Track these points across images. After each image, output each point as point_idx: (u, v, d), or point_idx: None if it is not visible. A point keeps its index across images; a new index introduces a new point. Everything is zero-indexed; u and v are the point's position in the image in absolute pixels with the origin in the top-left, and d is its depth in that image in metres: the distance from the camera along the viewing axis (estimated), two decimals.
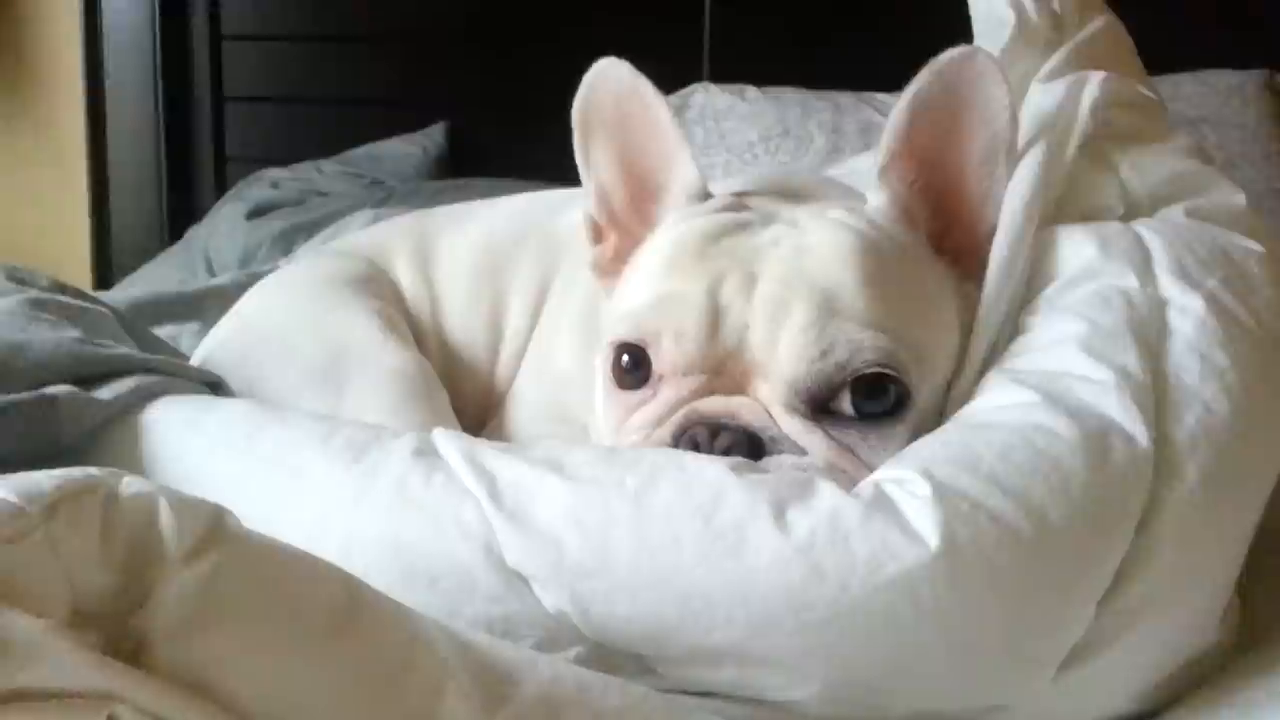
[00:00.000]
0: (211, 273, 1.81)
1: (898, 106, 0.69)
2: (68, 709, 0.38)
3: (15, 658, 0.37)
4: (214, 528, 0.44)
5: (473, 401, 0.91)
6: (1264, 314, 0.66)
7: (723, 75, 2.12)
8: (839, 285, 0.63)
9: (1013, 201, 0.69)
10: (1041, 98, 0.76)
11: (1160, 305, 0.64)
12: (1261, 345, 0.64)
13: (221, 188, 2.19)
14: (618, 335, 0.66)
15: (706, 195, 0.72)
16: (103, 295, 1.15)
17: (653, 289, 0.66)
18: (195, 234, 1.99)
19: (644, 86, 0.72)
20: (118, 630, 0.42)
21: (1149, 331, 0.63)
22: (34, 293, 0.76)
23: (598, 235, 0.77)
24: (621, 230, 0.77)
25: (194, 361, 0.90)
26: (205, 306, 1.17)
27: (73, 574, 0.41)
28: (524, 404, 0.87)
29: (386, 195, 1.95)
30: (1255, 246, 0.70)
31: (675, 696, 0.53)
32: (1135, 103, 0.77)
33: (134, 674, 0.40)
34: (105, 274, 2.17)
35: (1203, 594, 0.59)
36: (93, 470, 0.44)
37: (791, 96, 2.02)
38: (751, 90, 2.06)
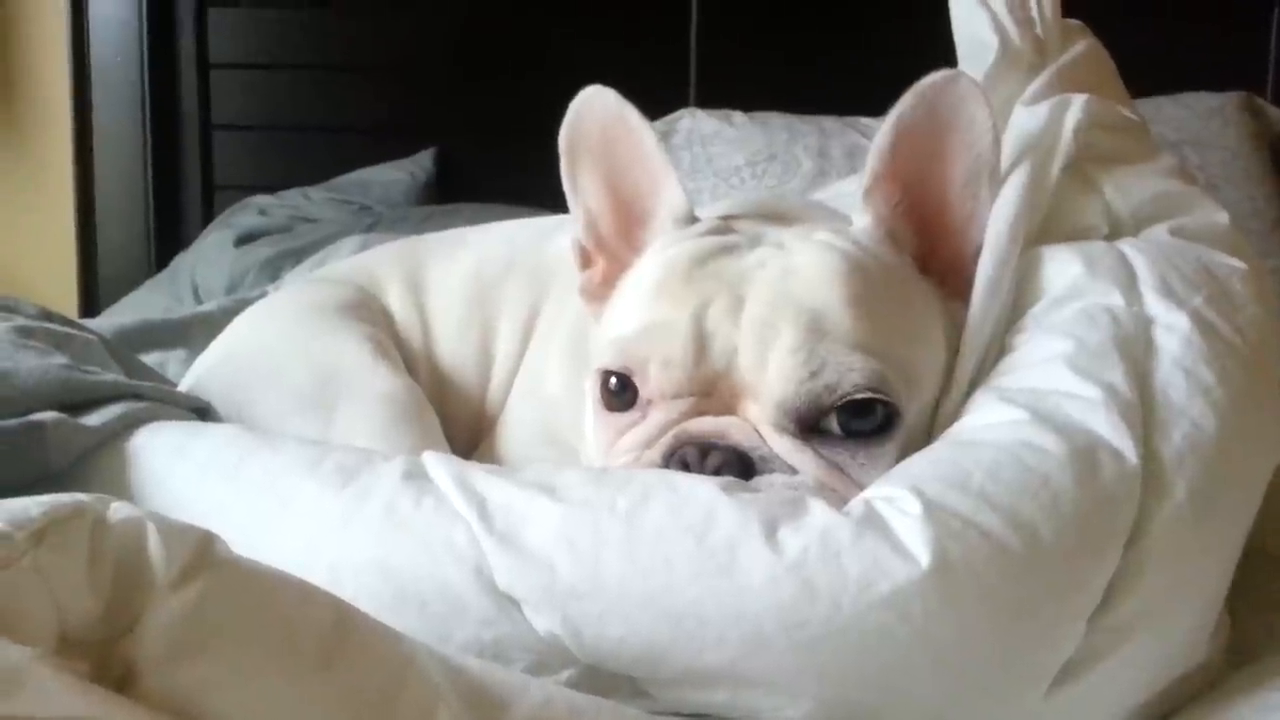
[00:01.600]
0: (198, 300, 1.81)
1: (881, 129, 0.70)
2: None
3: (1, 685, 0.37)
4: (202, 553, 0.44)
5: (464, 425, 0.91)
6: (1248, 331, 0.67)
7: (709, 100, 2.14)
8: (826, 306, 0.63)
9: (998, 222, 0.69)
10: (1025, 120, 0.77)
11: (1146, 323, 0.65)
12: (1246, 362, 0.65)
13: (209, 215, 2.19)
14: (605, 363, 0.66)
15: (693, 219, 0.73)
16: (89, 323, 1.15)
17: (639, 315, 0.67)
18: (182, 261, 1.98)
19: (629, 113, 0.72)
20: (106, 657, 0.42)
21: (1136, 349, 0.63)
22: (21, 320, 0.75)
23: (586, 261, 0.78)
24: (609, 255, 0.77)
25: (182, 388, 0.90)
26: (192, 334, 1.17)
27: (60, 600, 0.41)
28: (515, 427, 0.87)
29: (374, 221, 1.96)
30: (1238, 264, 0.71)
31: (668, 718, 0.53)
32: (1118, 124, 0.78)
33: (120, 701, 0.40)
34: (92, 301, 2.16)
35: (1193, 610, 0.59)
36: (81, 496, 0.43)
37: (778, 121, 2.03)
38: (738, 115, 2.08)
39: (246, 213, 2.05)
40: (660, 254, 0.70)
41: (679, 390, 0.64)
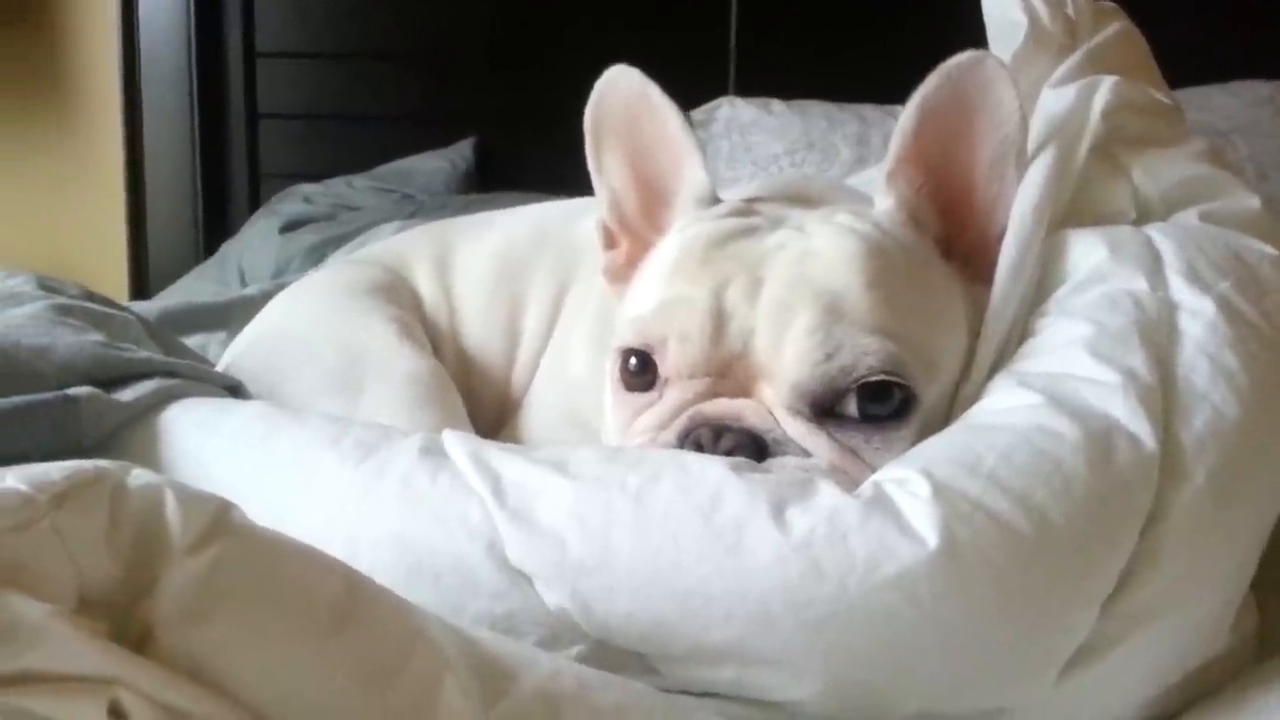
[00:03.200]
0: (244, 285, 1.84)
1: (905, 111, 0.70)
2: (71, 691, 0.39)
3: (21, 640, 0.38)
4: (219, 520, 0.45)
5: (489, 406, 0.92)
6: (1276, 317, 0.65)
7: (748, 88, 2.13)
8: (844, 289, 0.63)
9: (1022, 205, 0.69)
10: (1053, 102, 0.76)
11: (1171, 308, 0.64)
12: (1274, 348, 0.64)
13: (255, 203, 2.22)
14: (624, 340, 0.67)
15: (715, 200, 0.73)
16: (134, 305, 1.18)
17: (659, 294, 0.67)
18: (229, 248, 2.02)
19: (652, 91, 0.73)
20: (125, 618, 0.43)
21: (1158, 334, 0.62)
22: (61, 299, 0.78)
23: (610, 241, 0.78)
24: (633, 236, 0.77)
25: (220, 366, 0.92)
26: (233, 316, 1.19)
27: (80, 562, 0.42)
28: (539, 407, 0.88)
29: (416, 209, 1.98)
30: (1269, 250, 0.70)
31: (676, 696, 0.54)
32: (1148, 107, 0.77)
33: (137, 660, 0.41)
34: (142, 287, 2.21)
35: (1211, 599, 0.58)
36: (103, 462, 0.45)
37: (817, 109, 2.02)
38: (777, 103, 2.07)
39: (291, 200, 2.08)
40: (680, 235, 0.70)
41: (695, 369, 0.64)
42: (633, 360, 0.67)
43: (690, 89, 2.29)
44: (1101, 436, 0.56)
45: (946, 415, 0.65)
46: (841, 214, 0.69)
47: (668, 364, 0.65)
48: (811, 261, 0.65)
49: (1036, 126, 0.74)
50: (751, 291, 0.64)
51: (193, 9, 2.17)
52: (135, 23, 2.16)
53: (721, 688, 0.54)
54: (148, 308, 1.22)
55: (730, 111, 2.07)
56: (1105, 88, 0.75)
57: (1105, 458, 0.55)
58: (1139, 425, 0.57)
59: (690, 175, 0.73)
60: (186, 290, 1.94)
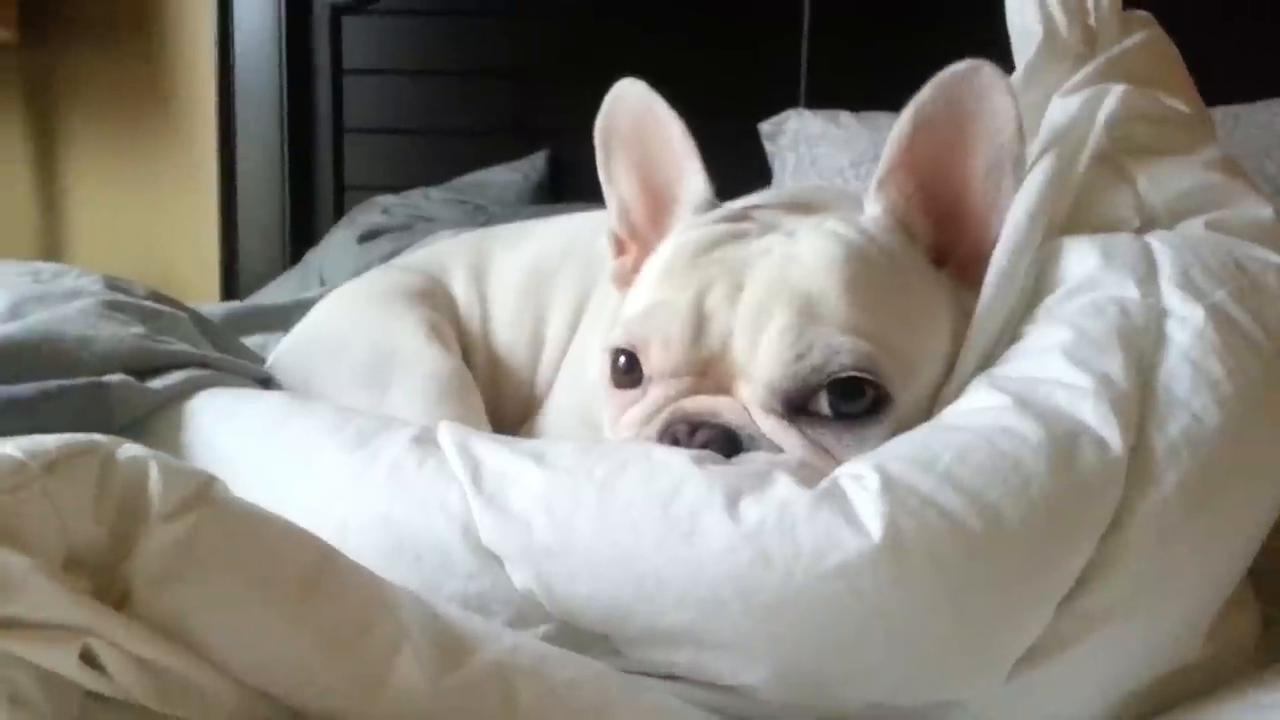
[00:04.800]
0: None
1: (900, 119, 0.71)
2: (48, 638, 0.43)
3: (4, 590, 0.43)
4: (199, 492, 0.49)
5: (517, 407, 0.96)
6: (1275, 326, 0.64)
7: (819, 101, 2.14)
8: (820, 292, 0.65)
9: (1016, 213, 0.69)
10: (1058, 111, 0.76)
11: (1160, 315, 0.64)
12: (1268, 359, 0.63)
13: (340, 214, 2.32)
14: (613, 341, 0.70)
15: (712, 207, 0.75)
16: (203, 306, 1.25)
17: (647, 297, 0.70)
18: (312, 256, 2.11)
19: (657, 104, 0.75)
20: (109, 578, 0.48)
21: (1143, 341, 0.62)
22: (117, 296, 0.84)
23: (620, 248, 0.81)
24: (641, 243, 0.80)
25: (270, 360, 0.98)
26: (294, 318, 1.25)
27: (67, 524, 0.46)
28: (557, 408, 0.91)
29: (487, 219, 2.04)
30: (1276, 260, 0.69)
31: (633, 675, 0.56)
32: (1160, 115, 0.76)
33: (111, 614, 0.45)
34: (233, 292, 2.32)
35: (1179, 605, 0.58)
36: (96, 436, 0.49)
37: (885, 121, 2.01)
38: (845, 115, 2.07)
39: (370, 211, 2.16)
40: (673, 240, 0.72)
41: (677, 369, 0.66)
42: (621, 360, 0.69)
43: (762, 101, 2.31)
44: (1066, 439, 0.56)
45: (927, 417, 0.66)
46: (830, 220, 0.70)
47: (651, 364, 0.68)
48: (792, 266, 0.66)
49: (1041, 136, 0.74)
50: (732, 295, 0.66)
51: (284, 29, 2.28)
52: (230, 43, 2.28)
53: (680, 670, 0.56)
54: (215, 309, 1.29)
55: (798, 124, 2.08)
56: (1113, 97, 0.75)
57: (1068, 460, 0.56)
58: (1108, 429, 0.57)
59: (690, 183, 0.76)
60: (272, 296, 2.04)
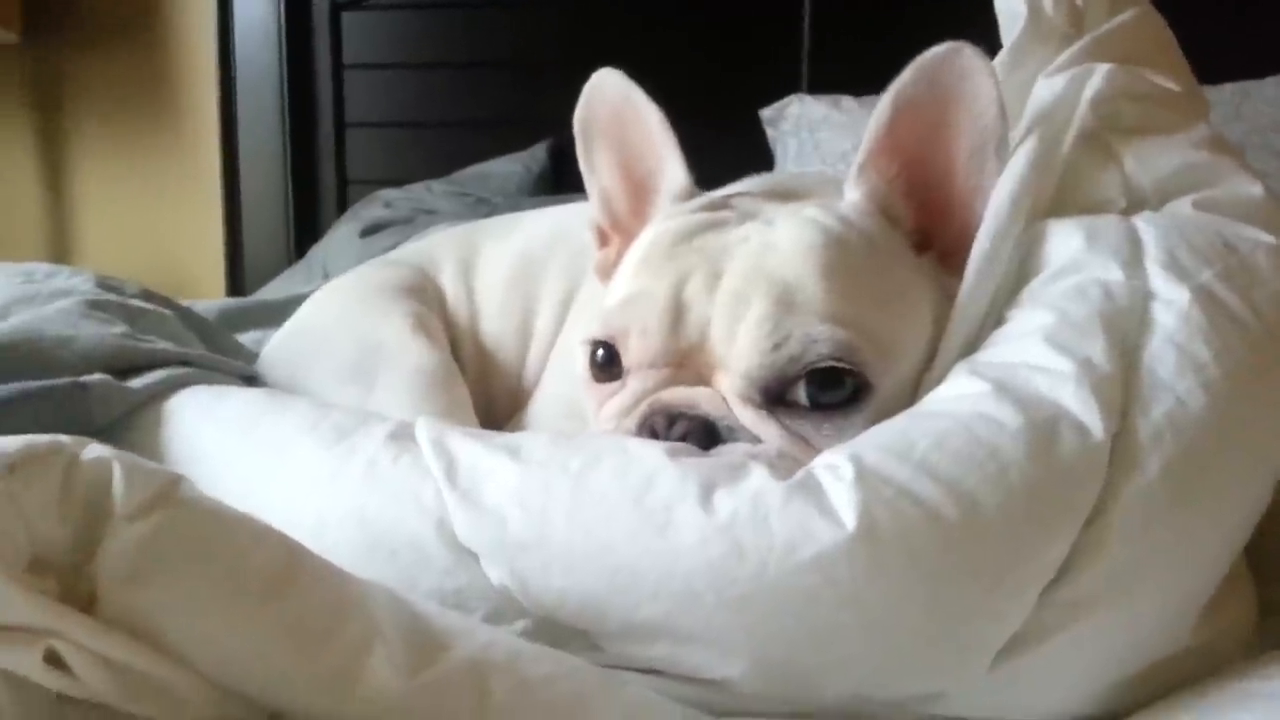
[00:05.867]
0: None
1: (880, 103, 0.70)
2: (11, 640, 0.43)
3: None
4: (165, 492, 0.49)
5: (506, 400, 0.95)
6: (1265, 307, 0.63)
7: (822, 86, 2.12)
8: (797, 279, 0.64)
9: (999, 196, 0.68)
10: (1043, 91, 0.75)
11: (1145, 297, 0.63)
12: (1257, 340, 0.61)
13: (343, 208, 2.32)
14: (592, 333, 0.69)
15: (692, 195, 0.74)
16: (198, 304, 1.26)
17: (625, 288, 0.69)
18: (315, 251, 2.12)
19: (635, 94, 0.75)
20: (75, 579, 0.47)
21: (1127, 324, 0.61)
22: (97, 295, 0.84)
23: (602, 240, 0.81)
24: (624, 234, 0.79)
25: (259, 357, 0.98)
26: (287, 312, 1.25)
27: (31, 526, 0.46)
28: (544, 401, 0.90)
29: (490, 211, 2.03)
30: (1267, 238, 0.67)
31: (610, 670, 0.55)
32: (1147, 94, 0.75)
33: (76, 615, 0.45)
34: (238, 288, 2.33)
35: (1164, 592, 0.56)
36: (60, 437, 0.49)
37: None
38: (847, 100, 2.05)
39: (373, 205, 2.16)
40: (651, 230, 0.72)
41: (655, 360, 0.66)
42: (600, 352, 0.69)
43: (764, 87, 2.29)
44: (1045, 425, 0.56)
45: (910, 404, 0.65)
46: (809, 207, 0.69)
47: (630, 355, 0.67)
48: (770, 253, 0.66)
49: (1026, 117, 0.73)
50: (710, 284, 0.65)
51: (284, 25, 2.28)
52: (231, 39, 2.28)
53: (658, 664, 0.56)
54: (210, 306, 1.29)
55: (800, 109, 2.07)
56: (1098, 75, 0.74)
57: (1047, 447, 0.55)
58: (1089, 415, 0.56)
59: (669, 172, 0.75)
60: (276, 291, 2.04)
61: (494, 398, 0.94)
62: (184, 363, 0.76)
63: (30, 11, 2.32)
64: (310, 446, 0.64)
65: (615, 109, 0.76)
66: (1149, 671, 0.57)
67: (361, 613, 0.51)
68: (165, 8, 2.38)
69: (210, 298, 2.25)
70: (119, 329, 0.77)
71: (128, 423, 0.71)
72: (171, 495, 0.49)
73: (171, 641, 0.47)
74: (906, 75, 0.69)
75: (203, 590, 0.48)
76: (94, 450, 0.49)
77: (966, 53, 0.68)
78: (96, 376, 0.69)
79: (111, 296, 0.88)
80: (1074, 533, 0.54)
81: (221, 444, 0.68)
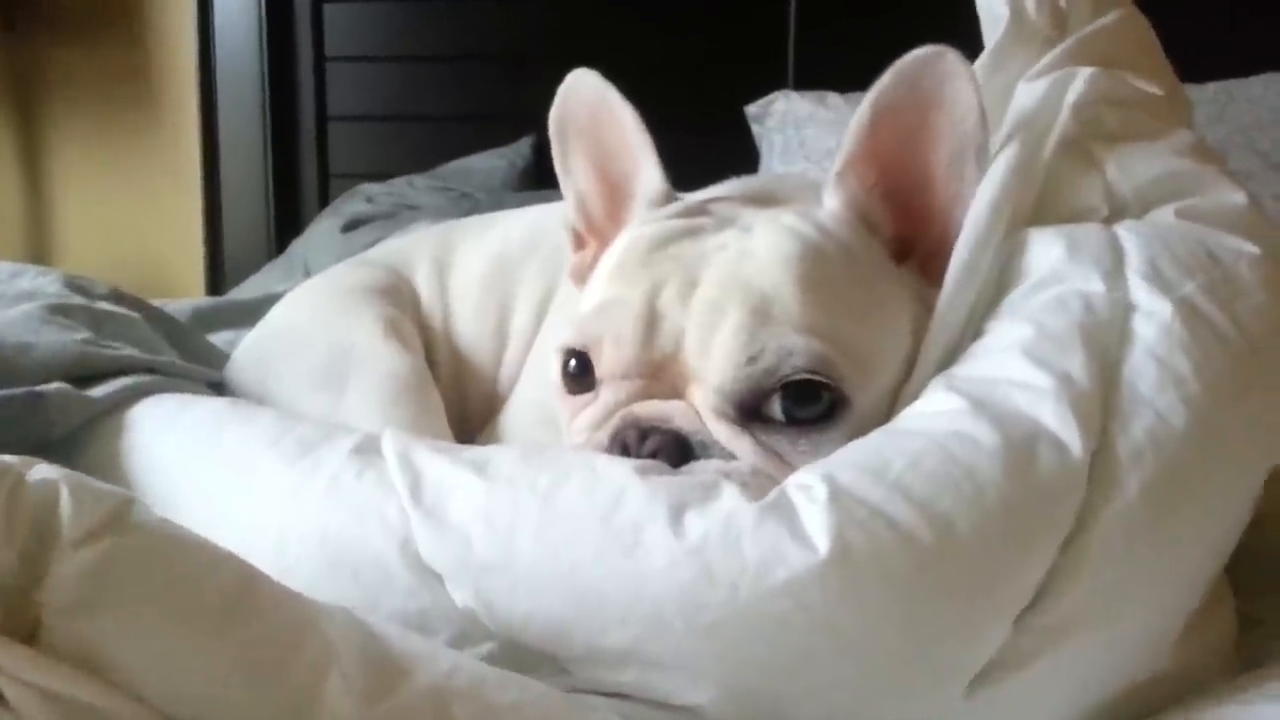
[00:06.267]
0: None
1: (859, 108, 0.68)
2: None
3: None
4: (116, 515, 0.47)
5: (478, 402, 0.94)
6: (1248, 319, 0.62)
7: (808, 83, 2.10)
8: (774, 290, 0.62)
9: (978, 204, 0.66)
10: (1024, 96, 0.73)
11: (1126, 310, 0.61)
12: (1239, 354, 0.60)
13: (325, 202, 2.29)
14: (564, 341, 0.67)
15: (669, 200, 0.73)
16: (170, 304, 1.24)
17: (599, 295, 0.67)
18: (296, 246, 2.09)
19: (611, 95, 0.73)
20: (21, 606, 0.46)
21: (1107, 336, 0.60)
22: (63, 298, 0.82)
23: (578, 243, 0.79)
24: (600, 238, 0.78)
25: (230, 360, 0.96)
26: (261, 312, 1.23)
27: None
28: (519, 406, 0.89)
29: (473, 206, 2.01)
30: (1249, 248, 0.66)
31: (578, 695, 0.54)
32: (1129, 99, 0.74)
33: (18, 648, 0.43)
34: (217, 283, 2.30)
35: (1144, 613, 0.55)
36: (4, 457, 0.47)
37: None
38: (833, 97, 2.04)
39: (355, 200, 2.14)
40: (626, 236, 0.70)
41: (628, 370, 0.64)
42: (572, 362, 0.67)
43: (750, 83, 2.27)
44: (1023, 443, 0.54)
45: (889, 417, 0.64)
46: (787, 215, 0.68)
47: (603, 365, 0.65)
48: (746, 262, 0.64)
49: (1006, 123, 0.72)
50: (685, 293, 0.64)
51: (264, 18, 2.25)
52: (211, 32, 2.25)
53: (627, 689, 0.54)
54: (182, 306, 1.27)
55: (785, 105, 2.05)
56: (1080, 80, 0.72)
57: (1025, 466, 0.54)
58: (1067, 432, 0.55)
59: (645, 176, 0.73)
60: (257, 286, 2.02)
61: (469, 401, 0.93)
62: (149, 370, 0.75)
63: (9, 3, 2.29)
64: (272, 461, 0.63)
65: (591, 110, 0.74)
66: (1130, 693, 0.57)
67: (318, 639, 0.50)
68: (145, 0, 2.35)
69: (190, 292, 2.23)
70: (81, 335, 0.75)
71: (88, 433, 0.69)
72: (122, 518, 0.48)
73: (121, 672, 0.45)
74: (886, 79, 0.67)
75: (153, 618, 0.46)
76: (40, 471, 0.48)
77: (949, 57, 0.67)
78: (55, 385, 0.67)
79: (78, 299, 0.87)
80: (1052, 552, 0.53)
81: (183, 456, 0.67)
